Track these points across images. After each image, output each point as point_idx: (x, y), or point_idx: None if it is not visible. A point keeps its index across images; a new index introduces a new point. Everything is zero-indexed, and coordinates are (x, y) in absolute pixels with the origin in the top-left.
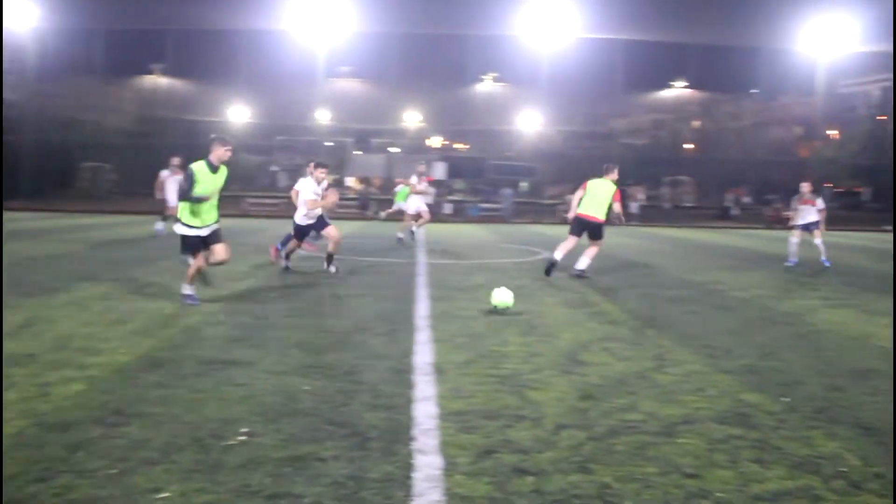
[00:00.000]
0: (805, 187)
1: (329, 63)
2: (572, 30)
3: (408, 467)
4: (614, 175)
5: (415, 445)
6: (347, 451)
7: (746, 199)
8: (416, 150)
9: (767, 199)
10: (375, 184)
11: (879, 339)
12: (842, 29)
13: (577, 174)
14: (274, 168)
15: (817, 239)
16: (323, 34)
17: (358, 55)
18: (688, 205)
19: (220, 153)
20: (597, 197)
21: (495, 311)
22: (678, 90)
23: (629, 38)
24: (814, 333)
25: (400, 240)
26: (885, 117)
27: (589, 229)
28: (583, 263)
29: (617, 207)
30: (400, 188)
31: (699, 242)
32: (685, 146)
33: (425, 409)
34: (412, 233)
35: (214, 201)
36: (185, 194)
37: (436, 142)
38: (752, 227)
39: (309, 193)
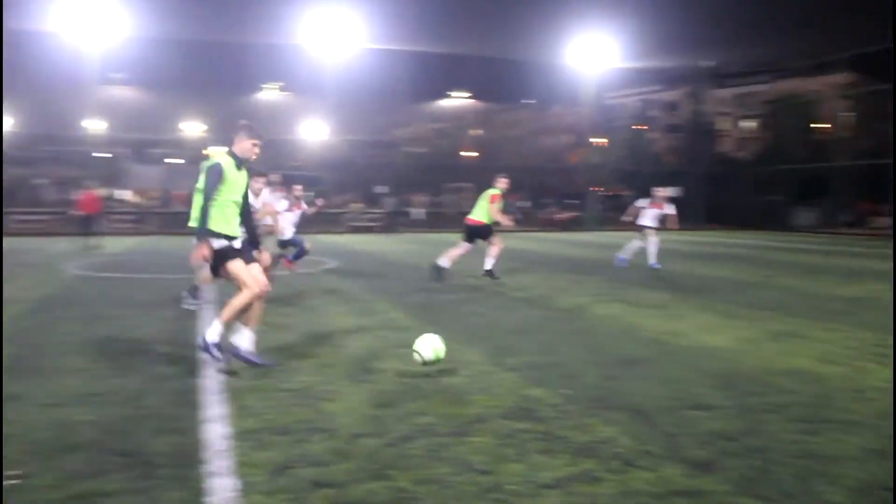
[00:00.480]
0: (659, 192)
1: (102, 69)
2: (356, 40)
3: (200, 492)
4: (500, 183)
5: (207, 469)
6: (134, 482)
7: (525, 204)
8: (198, 160)
9: (544, 203)
10: (152, 196)
11: (646, 330)
12: (604, 46)
13: (362, 183)
14: (39, 181)
15: (652, 238)
16: (95, 38)
17: (133, 61)
18: (469, 210)
19: (245, 146)
20: (480, 203)
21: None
22: (458, 100)
23: (411, 50)
24: (589, 328)
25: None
26: (644, 126)
27: (476, 234)
28: (488, 264)
29: (492, 210)
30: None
31: (481, 247)
32: (465, 154)
33: (216, 430)
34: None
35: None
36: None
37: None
38: (529, 231)
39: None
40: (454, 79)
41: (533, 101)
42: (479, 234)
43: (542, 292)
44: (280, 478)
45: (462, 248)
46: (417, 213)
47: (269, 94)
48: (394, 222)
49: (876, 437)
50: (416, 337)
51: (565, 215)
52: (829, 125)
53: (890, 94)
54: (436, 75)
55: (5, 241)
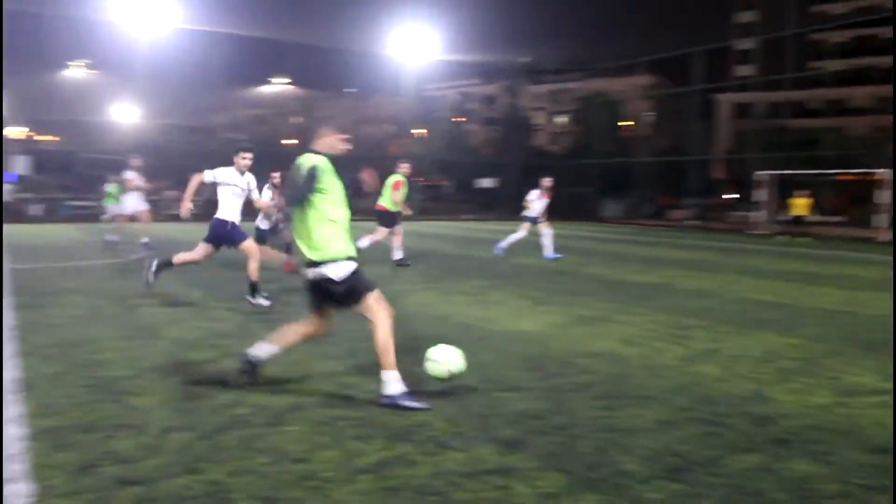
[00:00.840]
0: (546, 182)
1: None
2: (170, 19)
3: None
4: (402, 169)
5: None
6: None
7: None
8: None
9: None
10: None
11: (458, 316)
12: (425, 38)
13: (178, 169)
14: None
15: (545, 230)
16: None
17: None
18: None
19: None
20: (384, 190)
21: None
22: (279, 86)
23: (229, 32)
24: (403, 316)
25: (112, 242)
26: (463, 118)
27: (382, 220)
28: (363, 243)
29: (395, 196)
30: (111, 187)
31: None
32: (285, 142)
33: (12, 432)
34: (145, 244)
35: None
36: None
37: (18, 133)
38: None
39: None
40: (274, 65)
41: (354, 90)
42: (383, 221)
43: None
44: (83, 478)
45: (380, 233)
46: None
47: (75, 72)
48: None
49: (667, 409)
50: (233, 327)
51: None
52: (633, 123)
53: (686, 96)
54: (255, 60)
55: None
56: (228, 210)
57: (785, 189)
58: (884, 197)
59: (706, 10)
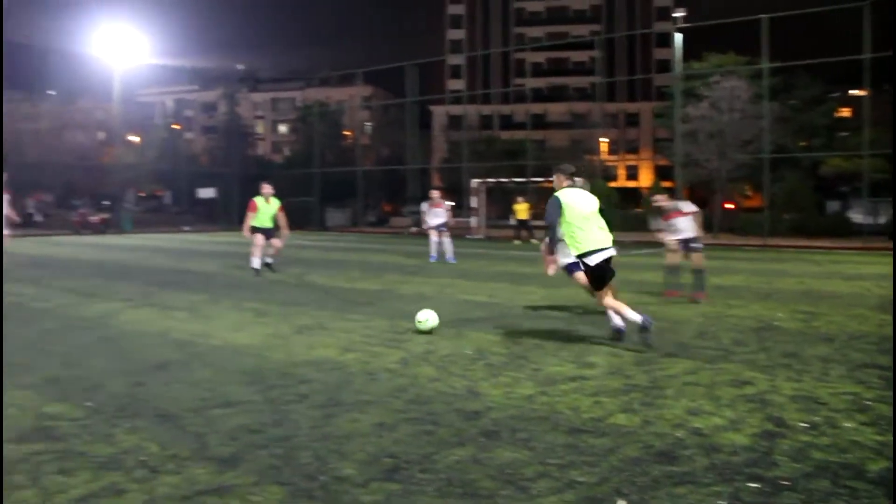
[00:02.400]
0: (435, 193)
1: None
2: None
3: None
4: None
5: None
6: None
7: (49, 203)
8: None
9: (73, 204)
10: None
11: (176, 333)
12: (134, 41)
13: None
14: None
15: (446, 238)
16: None
17: None
18: None
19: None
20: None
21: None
22: None
23: None
24: (117, 335)
25: None
26: (178, 126)
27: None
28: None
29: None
30: None
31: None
32: None
33: None
34: None
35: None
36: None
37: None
38: (59, 234)
39: None
40: None
41: (55, 93)
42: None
43: (67, 300)
44: None
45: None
46: None
47: None
48: None
49: (384, 412)
50: None
51: (99, 217)
52: (353, 133)
53: (401, 108)
54: None
55: None
56: None
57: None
58: None
59: (420, 26)
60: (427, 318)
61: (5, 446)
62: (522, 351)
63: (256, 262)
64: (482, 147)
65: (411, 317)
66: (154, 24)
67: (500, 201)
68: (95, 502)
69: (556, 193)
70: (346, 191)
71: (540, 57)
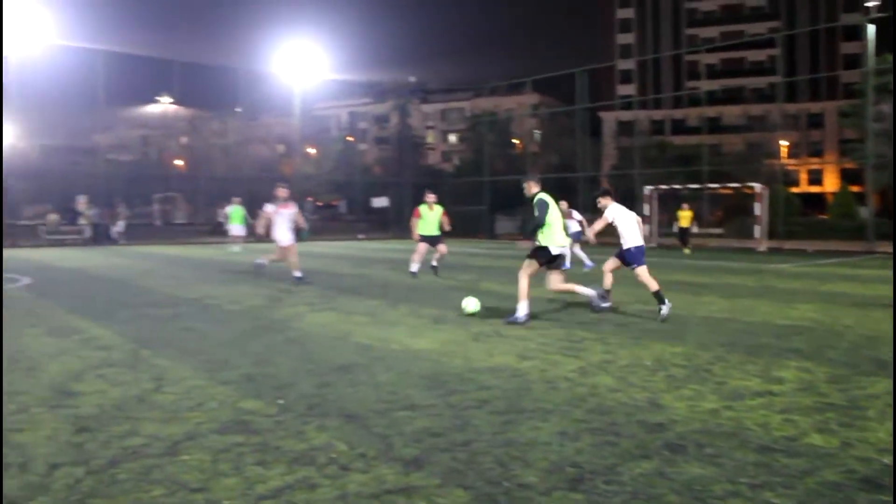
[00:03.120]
0: (563, 205)
1: None
2: (45, 35)
3: None
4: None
5: None
6: None
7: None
8: None
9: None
10: None
11: (357, 336)
12: (313, 57)
13: (61, 192)
14: None
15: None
16: None
17: None
18: (180, 221)
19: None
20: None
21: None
22: (164, 106)
23: (109, 50)
24: (302, 337)
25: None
26: (353, 138)
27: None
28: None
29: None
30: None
31: (192, 258)
32: (175, 162)
33: None
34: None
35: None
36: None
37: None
38: (246, 241)
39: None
40: (158, 83)
41: (241, 110)
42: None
43: (256, 303)
44: None
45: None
46: (119, 225)
47: None
48: (100, 235)
49: (565, 421)
50: (122, 356)
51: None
52: (521, 141)
53: (570, 115)
54: (139, 79)
55: None
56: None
57: (666, 203)
58: (759, 209)
59: (589, 32)
60: (467, 305)
61: (209, 437)
62: (704, 363)
63: (415, 267)
64: (654, 153)
65: (584, 326)
66: (332, 40)
67: (672, 209)
68: (291, 494)
69: (542, 196)
70: (515, 199)
71: (713, 58)
